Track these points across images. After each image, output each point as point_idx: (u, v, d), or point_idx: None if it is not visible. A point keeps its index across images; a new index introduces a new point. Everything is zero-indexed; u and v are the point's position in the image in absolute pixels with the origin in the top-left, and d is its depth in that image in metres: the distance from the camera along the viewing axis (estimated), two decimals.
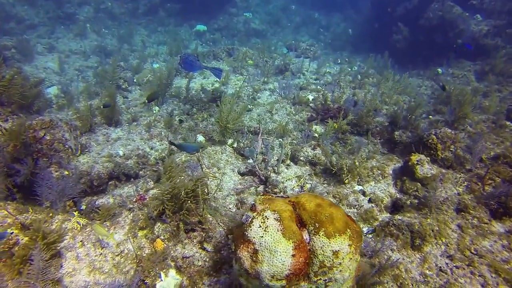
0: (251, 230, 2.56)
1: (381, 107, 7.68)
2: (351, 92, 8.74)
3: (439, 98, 8.72)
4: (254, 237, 2.52)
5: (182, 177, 4.06)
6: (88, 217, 4.47)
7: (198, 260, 3.60)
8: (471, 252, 3.88)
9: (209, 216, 4.02)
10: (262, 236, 2.50)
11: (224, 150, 5.90)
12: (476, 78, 10.54)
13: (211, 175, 5.19)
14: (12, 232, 3.51)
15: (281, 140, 6.34)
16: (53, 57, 10.97)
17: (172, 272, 3.46)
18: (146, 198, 4.30)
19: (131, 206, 4.30)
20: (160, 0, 16.74)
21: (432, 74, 11.45)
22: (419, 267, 3.83)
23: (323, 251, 2.53)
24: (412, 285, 3.64)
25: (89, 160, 5.43)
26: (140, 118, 6.98)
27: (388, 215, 4.72)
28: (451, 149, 5.45)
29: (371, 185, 5.18)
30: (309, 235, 2.62)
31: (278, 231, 2.49)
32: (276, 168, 5.30)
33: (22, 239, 3.45)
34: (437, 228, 4.17)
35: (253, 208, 2.72)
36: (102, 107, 6.37)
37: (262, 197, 2.87)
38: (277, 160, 5.41)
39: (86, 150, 5.66)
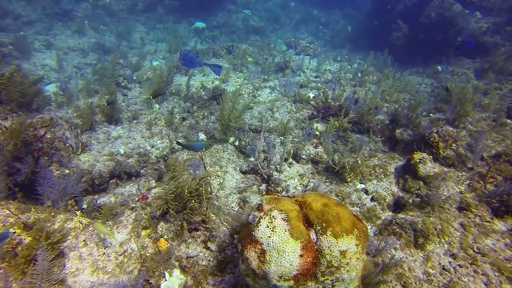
0: (258, 230, 2.55)
1: (382, 105, 7.68)
2: (352, 90, 8.73)
3: (439, 96, 8.73)
4: (261, 237, 2.51)
5: (186, 176, 4.04)
6: (90, 216, 4.45)
7: (202, 260, 3.59)
8: (474, 251, 3.89)
9: (212, 215, 4.00)
10: (269, 236, 2.48)
11: (225, 148, 5.88)
12: (475, 76, 10.54)
13: (214, 174, 5.17)
14: (15, 232, 3.48)
15: (283, 138, 6.32)
16: (51, 54, 10.87)
17: (177, 272, 3.45)
18: (148, 197, 4.28)
19: (134, 205, 4.28)
20: None
21: (432, 72, 11.46)
22: (423, 266, 3.83)
23: (330, 251, 2.52)
24: (416, 283, 3.65)
25: (90, 159, 5.39)
26: (140, 116, 6.93)
27: (391, 213, 4.72)
28: (452, 148, 5.46)
29: (373, 184, 5.18)
30: (316, 235, 2.61)
31: (286, 231, 2.48)
32: (278, 166, 5.29)
33: (25, 239, 3.42)
34: (440, 227, 4.18)
35: (259, 208, 2.71)
36: (106, 104, 6.33)
37: (269, 196, 2.86)
38: (280, 158, 5.39)
39: (87, 148, 5.62)
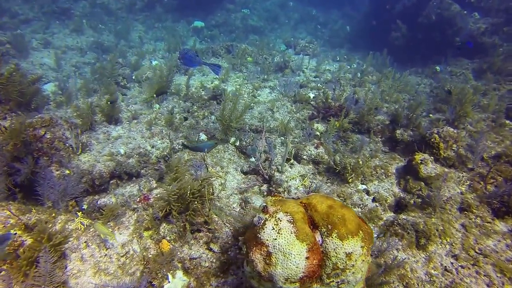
0: (264, 232, 2.54)
1: (382, 105, 7.69)
2: (352, 90, 8.73)
3: (438, 97, 8.76)
4: (267, 240, 2.50)
5: (188, 177, 4.02)
6: (90, 216, 4.42)
7: (205, 261, 3.58)
8: (476, 252, 3.90)
9: (214, 216, 3.99)
10: (275, 239, 2.48)
11: (226, 149, 5.86)
12: (474, 76, 10.58)
13: (216, 175, 5.15)
14: (16, 233, 3.45)
15: (284, 138, 6.31)
16: (49, 53, 10.80)
17: (180, 273, 3.44)
18: (150, 198, 4.26)
19: (135, 206, 4.26)
20: None
21: (430, 72, 11.49)
22: (425, 267, 3.84)
23: (336, 253, 2.52)
24: (418, 284, 3.66)
25: (90, 159, 5.36)
26: (140, 116, 6.90)
27: (392, 214, 4.73)
28: (453, 148, 5.47)
29: (374, 184, 5.18)
30: (322, 237, 2.61)
31: (291, 233, 2.48)
32: (280, 167, 5.28)
33: (26, 240, 3.39)
34: (442, 228, 4.19)
35: (265, 209, 2.70)
36: (109, 102, 6.30)
37: (273, 198, 2.85)
38: (281, 159, 5.38)
39: (87, 148, 5.58)
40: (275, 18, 18.87)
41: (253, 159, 5.71)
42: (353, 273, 2.54)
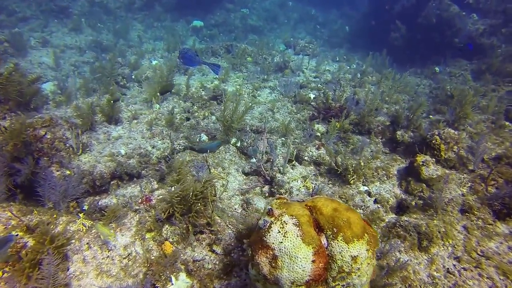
0: (270, 235, 2.53)
1: (382, 106, 7.70)
2: (352, 90, 8.74)
3: (437, 97, 8.79)
4: (273, 243, 2.49)
5: (190, 178, 4.00)
6: (91, 217, 4.40)
7: (208, 263, 3.57)
8: (478, 254, 3.92)
9: (217, 218, 3.98)
10: (281, 242, 2.47)
11: (227, 150, 5.85)
12: (472, 77, 10.62)
13: (219, 176, 5.14)
14: (17, 234, 3.42)
15: (285, 139, 6.31)
16: (47, 52, 10.72)
17: (183, 275, 3.42)
18: (152, 199, 4.24)
19: (137, 207, 4.23)
20: None
21: (430, 72, 11.52)
22: (427, 269, 3.85)
23: (342, 256, 2.51)
24: (421, 287, 3.66)
25: (90, 159, 5.33)
26: (140, 116, 6.87)
27: (394, 216, 4.74)
28: (454, 150, 5.49)
29: (376, 186, 5.19)
30: (327, 240, 2.60)
31: (297, 236, 2.47)
32: (282, 168, 5.27)
33: (28, 242, 3.37)
34: (444, 230, 4.20)
35: (270, 212, 2.69)
36: (112, 101, 6.28)
37: (278, 201, 2.84)
38: (283, 160, 5.38)
39: (87, 149, 5.55)
40: (274, 18, 18.85)
41: (254, 160, 5.70)
42: (358, 276, 2.54)
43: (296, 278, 2.39)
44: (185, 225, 3.75)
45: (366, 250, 2.58)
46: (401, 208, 4.86)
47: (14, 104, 5.68)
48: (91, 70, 9.36)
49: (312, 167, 5.62)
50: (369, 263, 2.60)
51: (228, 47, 11.40)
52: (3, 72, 5.48)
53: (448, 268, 3.80)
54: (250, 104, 6.75)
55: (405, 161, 5.74)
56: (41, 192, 4.17)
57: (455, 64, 11.80)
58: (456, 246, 4.05)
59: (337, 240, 2.55)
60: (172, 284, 3.32)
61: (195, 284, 3.40)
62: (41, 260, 2.98)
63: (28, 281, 2.94)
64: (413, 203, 4.80)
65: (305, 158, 5.71)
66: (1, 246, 3.01)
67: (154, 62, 10.46)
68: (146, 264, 3.47)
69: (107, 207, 4.58)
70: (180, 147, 5.95)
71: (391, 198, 4.95)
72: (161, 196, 4.19)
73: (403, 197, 4.98)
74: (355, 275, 2.52)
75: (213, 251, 3.68)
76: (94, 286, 3.33)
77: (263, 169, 5.21)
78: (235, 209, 4.74)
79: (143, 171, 5.51)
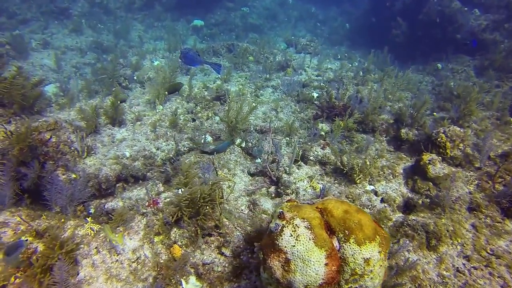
0: (282, 239, 2.52)
1: (385, 104, 7.67)
2: (355, 89, 8.71)
3: (440, 94, 8.76)
4: (285, 246, 2.48)
5: (197, 181, 4.00)
6: (98, 221, 4.40)
7: (218, 266, 3.56)
8: (488, 253, 3.91)
9: (225, 220, 3.97)
10: (294, 245, 2.46)
11: (232, 150, 5.84)
12: (475, 73, 10.58)
13: (226, 178, 5.13)
14: (27, 240, 3.42)
15: (289, 139, 6.29)
16: (49, 54, 10.69)
17: (193, 278, 3.42)
18: (159, 202, 4.23)
19: (144, 210, 4.23)
20: None
21: (432, 69, 11.48)
22: (436, 268, 3.84)
23: (354, 258, 2.50)
24: (431, 286, 3.65)
25: (96, 162, 5.32)
26: (144, 118, 6.85)
27: (401, 215, 4.73)
28: (460, 148, 5.47)
29: (382, 185, 5.18)
30: (339, 243, 2.59)
31: (310, 239, 2.46)
32: (288, 168, 5.26)
33: (37, 247, 3.37)
34: (452, 228, 4.19)
35: (281, 216, 2.68)
36: (119, 102, 6.28)
37: (289, 203, 2.83)
38: (289, 160, 5.36)
39: (92, 152, 5.55)
40: (274, 16, 18.78)
41: (259, 160, 5.69)
42: (371, 278, 2.53)
43: (310, 282, 2.38)
44: (193, 228, 3.75)
45: (378, 252, 2.57)
46: (408, 207, 4.84)
47: (18, 107, 5.67)
48: (93, 71, 9.33)
49: (317, 167, 5.61)
50: (381, 265, 2.59)
51: (230, 46, 11.36)
52: (7, 76, 5.47)
53: (458, 267, 3.80)
54: (254, 104, 6.73)
55: (411, 159, 5.73)
56: (48, 196, 4.17)
57: (457, 60, 11.74)
58: (465, 245, 4.04)
59: (349, 243, 2.54)
60: (183, 287, 3.32)
61: (205, 287, 3.39)
62: (52, 266, 2.98)
63: (39, 286, 2.94)
64: (420, 201, 4.79)
65: (311, 157, 5.70)
66: (12, 252, 3.01)
67: (155, 63, 10.43)
68: (156, 268, 3.46)
69: (114, 210, 4.59)
70: (185, 149, 5.94)
71: (398, 197, 4.94)
72: (168, 199, 4.18)
73: (410, 196, 4.96)
74: (368, 277, 2.52)
75: (222, 254, 3.68)
76: None
77: (269, 169, 5.19)
78: (242, 210, 4.73)
79: (148, 173, 5.51)
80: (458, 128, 5.56)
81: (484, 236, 4.13)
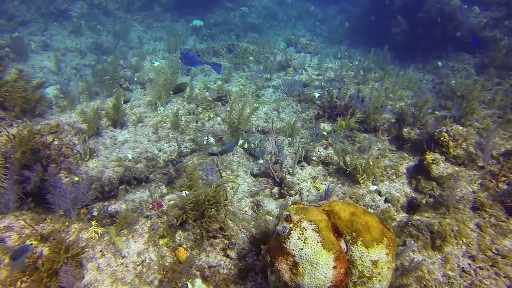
0: (289, 242, 2.52)
1: (387, 103, 7.66)
2: (356, 88, 8.70)
3: (441, 93, 8.76)
4: (293, 249, 2.48)
5: (201, 183, 3.99)
6: (101, 223, 4.39)
7: (223, 268, 3.55)
8: (493, 252, 3.90)
9: (230, 222, 3.96)
10: (302, 248, 2.45)
11: (235, 152, 5.82)
12: (476, 71, 10.58)
13: (230, 180, 5.12)
14: (32, 244, 3.41)
15: (292, 139, 6.28)
16: (48, 56, 10.67)
17: (199, 281, 3.41)
18: (163, 205, 4.22)
19: (148, 213, 4.21)
20: None
21: (432, 67, 11.47)
22: (442, 268, 3.84)
23: (362, 261, 2.50)
24: (436, 286, 3.65)
25: (98, 165, 5.31)
26: (145, 119, 6.84)
27: (405, 215, 4.72)
28: (462, 147, 5.47)
29: (385, 185, 5.17)
30: (347, 245, 2.59)
31: (318, 242, 2.45)
32: (291, 169, 5.25)
33: (42, 251, 3.35)
34: (457, 228, 4.18)
35: (288, 218, 2.67)
36: (123, 103, 6.27)
37: (295, 206, 2.82)
38: (292, 161, 5.35)
39: (95, 154, 5.53)
40: (273, 16, 18.76)
41: (261, 161, 5.68)
42: (379, 281, 2.53)
43: (318, 285, 2.38)
44: (198, 231, 3.74)
45: (386, 254, 2.57)
46: (412, 207, 4.84)
47: (19, 110, 5.66)
48: (93, 73, 9.31)
49: (320, 167, 5.60)
50: (389, 267, 2.59)
51: (230, 46, 11.35)
52: (8, 79, 5.45)
53: (463, 267, 3.79)
54: (256, 104, 6.72)
55: (413, 158, 5.72)
56: (51, 200, 4.15)
57: (457, 58, 11.73)
58: (470, 245, 4.03)
59: (357, 245, 2.53)
60: None
61: None
62: (58, 270, 2.97)
63: None
64: (424, 201, 4.79)
65: (313, 158, 5.69)
66: (18, 256, 3.00)
67: (156, 64, 10.41)
68: (161, 271, 3.45)
69: (117, 213, 4.58)
70: (187, 150, 5.93)
71: (402, 197, 4.94)
72: (172, 202, 4.17)
73: (413, 195, 4.96)
74: (376, 279, 2.51)
75: (228, 256, 3.67)
76: None
77: (272, 170, 5.19)
78: (246, 211, 4.73)
79: (151, 175, 5.49)
80: (461, 127, 5.56)
81: (489, 235, 4.13)
